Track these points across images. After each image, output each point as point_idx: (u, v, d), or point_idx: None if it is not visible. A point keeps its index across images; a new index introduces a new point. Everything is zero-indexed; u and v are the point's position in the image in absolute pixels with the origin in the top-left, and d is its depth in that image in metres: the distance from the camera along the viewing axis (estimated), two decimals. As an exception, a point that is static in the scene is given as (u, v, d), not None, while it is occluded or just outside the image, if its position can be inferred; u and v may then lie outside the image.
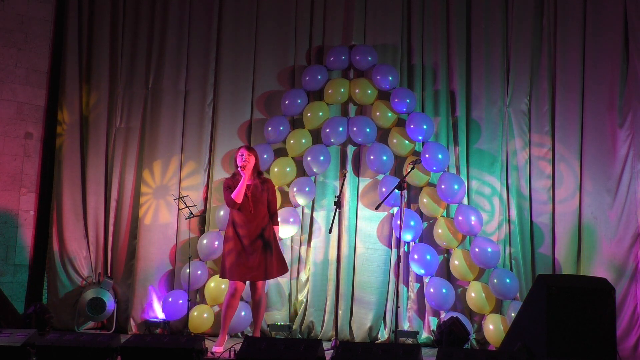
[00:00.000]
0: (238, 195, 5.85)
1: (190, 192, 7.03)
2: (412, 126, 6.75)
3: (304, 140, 7.00)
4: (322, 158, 6.88)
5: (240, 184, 5.87)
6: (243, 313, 6.65)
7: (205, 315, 6.77)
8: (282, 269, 6.06)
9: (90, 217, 7.29)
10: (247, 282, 6.05)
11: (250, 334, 6.83)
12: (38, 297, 7.14)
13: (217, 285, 6.76)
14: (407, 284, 6.87)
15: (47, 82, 7.38)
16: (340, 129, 6.92)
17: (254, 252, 5.87)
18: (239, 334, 6.82)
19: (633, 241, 6.43)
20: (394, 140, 6.91)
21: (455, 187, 6.60)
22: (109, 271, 7.25)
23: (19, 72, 7.22)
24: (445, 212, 6.82)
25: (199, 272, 6.82)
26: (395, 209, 6.76)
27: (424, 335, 6.76)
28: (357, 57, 7.02)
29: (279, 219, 6.81)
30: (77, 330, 6.90)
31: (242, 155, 5.98)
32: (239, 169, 5.93)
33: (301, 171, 7.02)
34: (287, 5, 7.34)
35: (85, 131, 7.38)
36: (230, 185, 5.96)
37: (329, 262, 6.96)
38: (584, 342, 5.01)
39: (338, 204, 6.18)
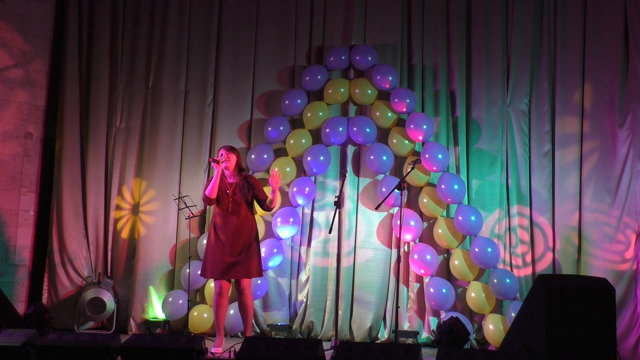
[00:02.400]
0: (211, 191, 5.74)
1: (190, 192, 7.03)
2: (412, 126, 6.75)
3: (304, 140, 7.00)
4: (322, 158, 6.88)
5: (213, 180, 5.76)
6: (243, 313, 6.65)
7: (205, 315, 6.77)
8: (259, 270, 5.88)
9: (90, 217, 7.29)
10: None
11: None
12: (38, 297, 7.14)
13: (217, 285, 6.76)
14: (407, 284, 6.87)
15: (47, 82, 7.38)
16: (340, 129, 6.92)
17: (234, 250, 5.74)
18: (239, 334, 6.82)
19: (633, 241, 6.43)
20: (394, 140, 6.91)
21: (455, 187, 6.60)
22: (109, 271, 7.25)
23: (19, 72, 7.22)
24: (445, 212, 6.82)
25: (199, 272, 6.80)
26: (395, 209, 6.76)
27: (424, 335, 6.76)
28: (357, 57, 7.02)
29: (279, 220, 6.84)
30: (77, 330, 6.91)
31: (221, 155, 5.86)
32: (211, 162, 5.81)
33: (301, 171, 7.02)
34: (287, 5, 7.35)
35: (85, 131, 7.38)
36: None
37: (329, 262, 6.96)
38: (584, 342, 5.01)
39: (338, 204, 6.18)
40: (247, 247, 5.78)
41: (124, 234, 7.23)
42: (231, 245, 5.75)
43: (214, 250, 5.79)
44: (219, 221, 5.83)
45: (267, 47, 7.32)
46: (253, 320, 6.85)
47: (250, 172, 7.02)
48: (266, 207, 5.92)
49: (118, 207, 7.29)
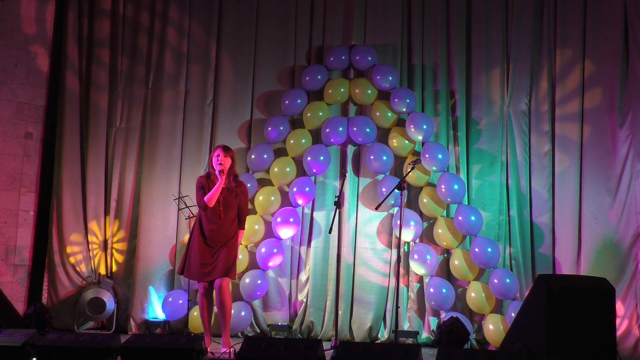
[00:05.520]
0: (211, 199, 5.64)
1: (190, 192, 7.02)
2: (412, 126, 6.75)
3: (304, 140, 7.00)
4: (322, 158, 6.88)
5: (215, 188, 5.65)
6: (243, 313, 6.65)
7: (205, 315, 6.76)
8: (235, 271, 5.82)
9: (90, 217, 7.28)
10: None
11: (250, 334, 6.83)
12: (38, 297, 7.14)
13: (217, 285, 6.76)
14: (407, 284, 6.87)
15: (47, 82, 7.37)
16: (340, 129, 6.92)
17: (215, 253, 5.67)
18: (239, 334, 6.82)
19: (633, 241, 6.43)
20: (394, 140, 6.91)
21: (455, 187, 6.60)
22: (109, 271, 7.25)
23: (19, 72, 7.21)
24: (445, 212, 6.82)
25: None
26: (395, 209, 6.76)
27: (424, 335, 6.76)
28: (357, 57, 7.02)
29: (279, 220, 6.84)
30: (77, 330, 6.90)
31: (219, 156, 5.72)
32: (217, 172, 5.69)
33: (301, 171, 7.02)
34: (287, 6, 7.35)
35: (85, 131, 7.38)
36: (203, 185, 5.73)
37: (329, 262, 6.96)
38: (584, 342, 5.01)
39: (338, 204, 6.18)
40: (227, 252, 5.68)
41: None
42: (214, 247, 5.68)
43: (198, 252, 5.68)
44: (206, 223, 5.72)
45: (267, 47, 7.32)
46: (253, 320, 6.86)
47: (250, 172, 7.03)
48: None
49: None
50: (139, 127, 7.35)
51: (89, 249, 7.26)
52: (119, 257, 7.25)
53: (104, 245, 7.27)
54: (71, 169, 7.30)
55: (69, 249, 7.19)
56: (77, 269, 7.20)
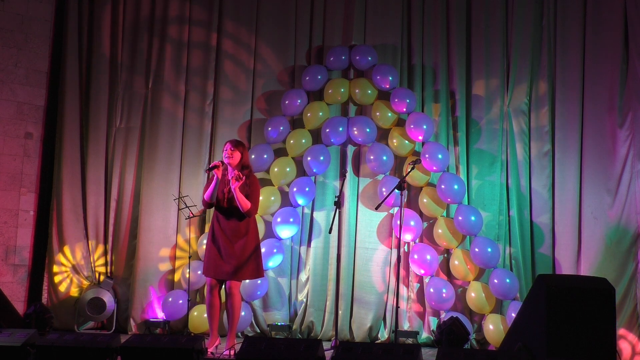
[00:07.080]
0: (209, 195, 5.62)
1: (190, 192, 7.03)
2: (412, 126, 6.75)
3: (304, 140, 7.00)
4: (322, 158, 6.88)
5: (212, 186, 5.63)
6: (243, 313, 6.64)
7: (205, 315, 6.75)
8: (256, 272, 5.72)
9: (90, 217, 7.28)
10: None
11: (250, 334, 6.84)
12: (38, 297, 7.14)
13: (217, 285, 6.76)
14: (407, 284, 6.87)
15: (47, 82, 7.37)
16: (340, 129, 6.92)
17: (228, 250, 5.61)
18: (239, 334, 6.81)
19: (633, 241, 6.43)
20: (394, 140, 6.91)
21: (455, 187, 6.60)
22: (109, 271, 7.25)
23: (19, 72, 7.22)
24: (445, 212, 6.82)
25: (199, 272, 6.81)
26: (395, 209, 6.76)
27: (424, 335, 6.77)
28: (357, 57, 7.02)
29: (279, 220, 6.84)
30: (77, 330, 6.91)
31: (226, 150, 5.67)
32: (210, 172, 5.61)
33: (301, 171, 7.02)
34: (287, 5, 7.35)
35: (85, 131, 7.38)
36: (208, 180, 5.75)
37: (329, 262, 6.96)
38: (584, 342, 5.01)
39: (338, 204, 6.18)
40: (241, 250, 5.64)
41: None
42: (226, 245, 5.63)
43: (211, 249, 5.69)
44: (216, 218, 5.72)
45: (267, 47, 7.32)
46: (253, 320, 6.85)
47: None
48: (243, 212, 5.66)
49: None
50: (139, 127, 7.35)
51: (88, 248, 7.26)
52: (119, 257, 7.25)
53: (104, 245, 7.27)
54: (71, 169, 7.30)
55: (68, 249, 7.19)
56: (77, 268, 7.19)
